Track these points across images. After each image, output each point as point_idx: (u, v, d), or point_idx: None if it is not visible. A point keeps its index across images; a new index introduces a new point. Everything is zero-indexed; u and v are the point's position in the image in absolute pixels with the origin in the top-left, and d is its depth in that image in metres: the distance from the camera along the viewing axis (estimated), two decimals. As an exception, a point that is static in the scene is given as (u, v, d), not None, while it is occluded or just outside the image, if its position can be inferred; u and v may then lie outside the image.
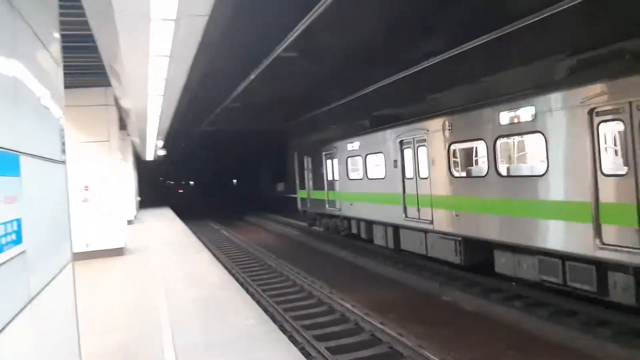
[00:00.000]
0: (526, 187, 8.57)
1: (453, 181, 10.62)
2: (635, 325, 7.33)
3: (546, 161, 8.07)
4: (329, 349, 7.50)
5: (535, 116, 8.20)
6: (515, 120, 8.61)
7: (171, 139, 26.83)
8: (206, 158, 52.58)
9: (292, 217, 27.94)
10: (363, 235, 15.41)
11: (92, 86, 12.72)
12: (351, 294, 10.70)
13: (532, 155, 9.63)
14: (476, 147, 10.67)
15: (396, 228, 13.25)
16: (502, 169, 9.30)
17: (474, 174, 10.29)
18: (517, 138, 9.50)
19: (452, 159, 10.66)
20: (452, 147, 10.63)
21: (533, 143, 9.38)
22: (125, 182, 19.26)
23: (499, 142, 9.23)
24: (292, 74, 18.05)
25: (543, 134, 8.08)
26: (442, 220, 10.96)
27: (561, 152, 7.78)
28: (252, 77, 16.08)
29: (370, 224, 14.84)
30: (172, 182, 66.99)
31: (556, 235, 7.95)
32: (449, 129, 10.49)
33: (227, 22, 11.40)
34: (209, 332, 6.45)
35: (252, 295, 9.34)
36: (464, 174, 10.66)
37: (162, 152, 32.96)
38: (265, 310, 8.39)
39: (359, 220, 15.66)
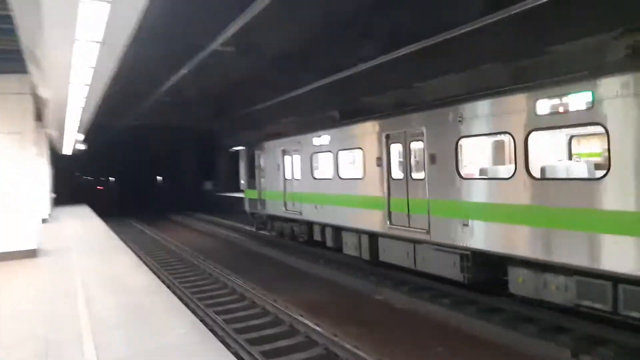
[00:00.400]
0: (571, 193, 6.93)
1: (462, 183, 8.74)
2: (557, 321, 7.74)
3: (607, 161, 6.56)
4: (263, 353, 7.29)
5: (592, 104, 6.58)
6: (561, 110, 6.96)
7: (92, 132, 25.28)
8: (129, 154, 50.19)
9: (221, 217, 27.32)
10: (329, 243, 13.53)
11: (4, 72, 11.60)
12: (284, 295, 10.52)
13: (584, 153, 8.12)
14: (498, 143, 9.10)
15: (373, 236, 11.50)
16: (536, 170, 7.61)
17: (493, 175, 8.57)
18: (560, 132, 7.85)
19: (461, 157, 8.89)
20: (462, 142, 8.83)
21: (586, 138, 7.97)
22: (40, 178, 17.80)
23: (532, 136, 7.53)
24: (227, 69, 17.58)
25: (604, 127, 6.49)
26: (443, 230, 9.15)
27: (631, 150, 6.23)
28: (185, 71, 15.48)
29: (338, 230, 13.01)
30: (91, 179, 63.39)
31: (612, 253, 6.42)
32: (459, 120, 8.67)
33: (166, 8, 10.81)
34: (137, 342, 6.01)
35: (181, 300, 8.88)
36: (477, 174, 8.93)
37: (81, 146, 31.01)
38: (196, 314, 8.00)
39: (324, 225, 13.73)
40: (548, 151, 8.21)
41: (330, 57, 15.10)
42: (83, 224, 21.48)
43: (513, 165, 7.82)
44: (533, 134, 7.49)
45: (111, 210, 32.15)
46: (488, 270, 8.63)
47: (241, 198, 31.65)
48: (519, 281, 7.85)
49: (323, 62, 15.43)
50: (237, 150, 35.03)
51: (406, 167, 10.21)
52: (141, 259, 13.75)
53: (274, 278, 12.62)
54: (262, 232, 18.72)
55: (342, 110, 13.61)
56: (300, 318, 8.54)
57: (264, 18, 10.47)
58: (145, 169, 55.23)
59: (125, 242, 16.00)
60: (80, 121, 17.88)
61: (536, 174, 7.54)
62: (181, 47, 14.34)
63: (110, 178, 65.35)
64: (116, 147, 45.65)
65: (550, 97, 7.10)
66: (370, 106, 13.43)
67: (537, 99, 7.25)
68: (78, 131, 21.96)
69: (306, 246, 15.23)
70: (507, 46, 11.07)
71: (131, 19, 6.39)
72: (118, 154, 50.44)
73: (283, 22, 12.86)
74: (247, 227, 21.91)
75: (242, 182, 34.03)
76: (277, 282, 11.97)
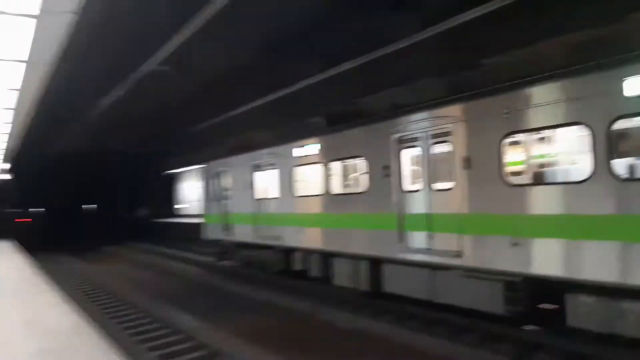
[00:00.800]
0: None
1: (509, 192, 7.11)
2: (494, 330, 7.84)
3: None
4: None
5: None
6: None
7: (20, 160, 23.75)
8: (59, 182, 47.59)
9: (156, 245, 26.30)
10: (315, 272, 11.59)
11: None
12: (225, 323, 10.09)
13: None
14: (562, 138, 7.41)
15: (374, 262, 9.80)
16: (623, 169, 6.14)
17: (557, 179, 7.08)
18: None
19: (506, 159, 7.30)
20: (508, 140, 7.28)
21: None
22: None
23: (617, 126, 6.03)
24: (165, 89, 17.00)
25: None
26: (481, 251, 7.52)
27: None
28: (120, 92, 14.88)
29: (327, 257, 11.14)
30: (18, 210, 59.55)
31: None
32: (505, 113, 7.08)
33: (96, 25, 10.25)
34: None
35: (114, 338, 8.26)
36: (530, 179, 7.31)
37: (6, 176, 29.11)
38: (129, 353, 7.44)
39: (309, 252, 11.75)
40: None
41: (272, 74, 14.98)
42: (6, 260, 19.87)
43: (589, 164, 6.22)
44: (619, 122, 6.00)
45: (40, 243, 30.18)
46: (539, 300, 7.18)
47: (177, 223, 30.76)
48: (583, 312, 6.40)
49: (265, 79, 15.28)
50: (172, 174, 34.18)
51: (426, 175, 8.53)
52: (69, 296, 12.81)
53: (212, 305, 12.13)
54: (224, 262, 16.48)
55: (329, 115, 12.03)
56: (242, 348, 8.16)
57: (201, 37, 10.25)
58: (77, 197, 52.59)
59: (52, 279, 14.90)
60: (6, 148, 16.67)
61: (622, 173, 6.06)
62: (114, 68, 13.72)
63: (40, 208, 61.75)
64: (45, 176, 43.21)
65: None
66: (372, 108, 12.07)
67: (624, 77, 5.83)
68: (4, 160, 20.52)
69: (242, 269, 14.66)
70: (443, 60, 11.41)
71: (59, 36, 5.97)
72: (47, 183, 47.74)
73: (222, 40, 12.62)
74: (185, 254, 21.17)
75: (176, 205, 33.07)
76: (218, 311, 11.49)
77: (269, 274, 13.69)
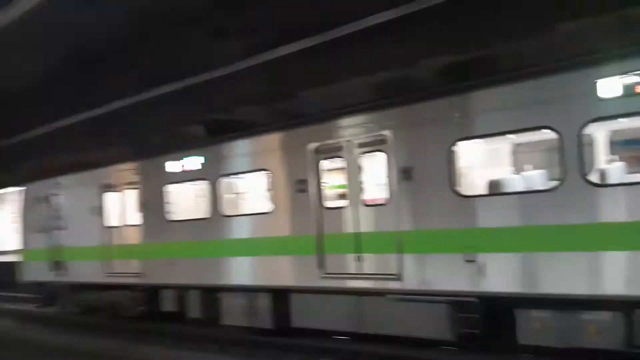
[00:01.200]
0: None
1: (463, 204, 6.45)
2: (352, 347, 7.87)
3: None
4: None
5: None
6: None
7: None
8: None
9: None
10: (195, 313, 9.66)
11: None
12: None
13: None
14: (531, 142, 6.95)
15: (281, 295, 8.37)
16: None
17: (520, 187, 6.46)
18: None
19: (458, 168, 6.62)
20: (460, 147, 6.57)
21: None
22: None
23: (590, 129, 5.68)
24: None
25: None
26: (426, 273, 6.69)
27: None
28: None
29: (212, 292, 9.41)
30: None
31: None
32: (457, 116, 6.44)
33: None
34: None
35: None
36: (486, 189, 6.60)
37: None
38: None
39: (183, 289, 9.86)
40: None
41: (78, 93, 12.92)
42: None
43: (558, 170, 5.83)
44: (592, 126, 5.66)
45: None
46: (485, 320, 6.44)
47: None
48: (535, 327, 5.92)
49: (70, 98, 13.04)
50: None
51: (353, 189, 7.54)
52: None
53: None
54: (49, 307, 13.40)
55: (211, 124, 10.43)
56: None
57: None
58: None
59: None
60: None
61: (594, 179, 5.76)
62: None
63: None
64: None
65: (623, 72, 5.33)
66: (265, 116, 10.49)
67: (597, 78, 5.46)
68: None
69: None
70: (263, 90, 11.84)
71: None
72: None
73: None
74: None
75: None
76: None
77: (119, 319, 11.19)
